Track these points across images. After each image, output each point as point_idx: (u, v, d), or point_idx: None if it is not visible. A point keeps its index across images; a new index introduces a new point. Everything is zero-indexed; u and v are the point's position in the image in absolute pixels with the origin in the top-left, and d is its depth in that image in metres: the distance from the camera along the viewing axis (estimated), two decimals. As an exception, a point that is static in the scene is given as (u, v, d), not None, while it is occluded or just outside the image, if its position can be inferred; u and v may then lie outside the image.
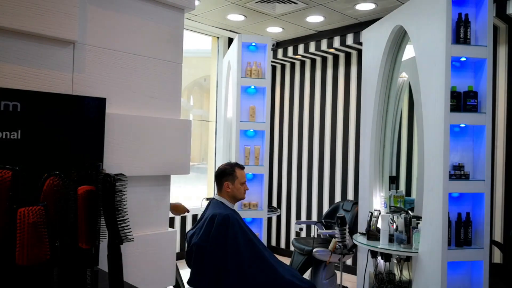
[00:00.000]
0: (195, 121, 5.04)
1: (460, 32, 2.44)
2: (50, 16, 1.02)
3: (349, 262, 4.26)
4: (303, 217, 4.82)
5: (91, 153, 1.04)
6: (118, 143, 1.15)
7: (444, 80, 2.39)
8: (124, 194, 0.93)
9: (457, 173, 2.44)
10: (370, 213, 3.01)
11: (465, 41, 2.44)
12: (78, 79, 1.10)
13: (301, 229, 4.69)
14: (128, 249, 1.12)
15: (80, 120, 1.03)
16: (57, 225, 0.81)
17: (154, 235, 1.24)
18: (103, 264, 0.96)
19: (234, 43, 3.78)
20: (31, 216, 0.73)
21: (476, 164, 2.51)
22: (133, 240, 0.94)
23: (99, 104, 1.07)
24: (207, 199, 3.87)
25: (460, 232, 2.45)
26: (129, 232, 0.92)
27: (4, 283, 0.73)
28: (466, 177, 2.45)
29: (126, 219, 0.92)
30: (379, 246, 2.70)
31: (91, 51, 1.13)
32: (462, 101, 2.46)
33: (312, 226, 4.15)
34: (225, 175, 2.22)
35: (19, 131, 0.92)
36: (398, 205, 3.08)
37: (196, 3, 3.69)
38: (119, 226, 0.91)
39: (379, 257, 2.89)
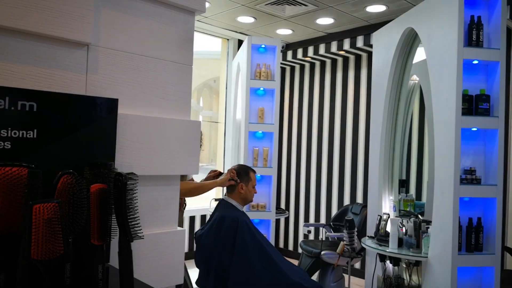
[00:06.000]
0: (204, 122, 5.07)
1: (473, 34, 2.41)
2: (65, 19, 1.05)
3: (357, 265, 4.23)
4: (312, 219, 4.81)
5: (103, 152, 1.07)
6: (129, 143, 1.17)
7: (455, 83, 2.37)
8: (135, 193, 0.95)
9: (469, 177, 2.41)
10: (379, 217, 2.99)
11: (478, 43, 2.41)
12: (91, 80, 1.13)
13: (309, 232, 4.66)
14: (138, 247, 1.14)
15: (93, 120, 1.05)
16: (71, 221, 0.83)
17: (163, 233, 1.26)
18: (114, 260, 0.98)
19: (244, 45, 3.80)
20: (46, 213, 0.76)
21: (488, 169, 2.48)
22: (143, 238, 0.96)
23: (111, 104, 1.09)
24: (216, 199, 3.88)
25: (471, 237, 2.42)
26: (139, 230, 0.94)
27: (20, 276, 0.76)
28: (477, 181, 2.42)
29: (137, 217, 0.94)
30: (388, 250, 2.67)
31: (104, 53, 1.16)
32: (474, 105, 2.43)
33: (321, 228, 4.14)
34: (240, 177, 2.25)
35: (35, 130, 0.95)
36: (407, 209, 3.05)
37: (207, 5, 3.73)
38: (129, 224, 0.93)
39: (388, 261, 2.87)
